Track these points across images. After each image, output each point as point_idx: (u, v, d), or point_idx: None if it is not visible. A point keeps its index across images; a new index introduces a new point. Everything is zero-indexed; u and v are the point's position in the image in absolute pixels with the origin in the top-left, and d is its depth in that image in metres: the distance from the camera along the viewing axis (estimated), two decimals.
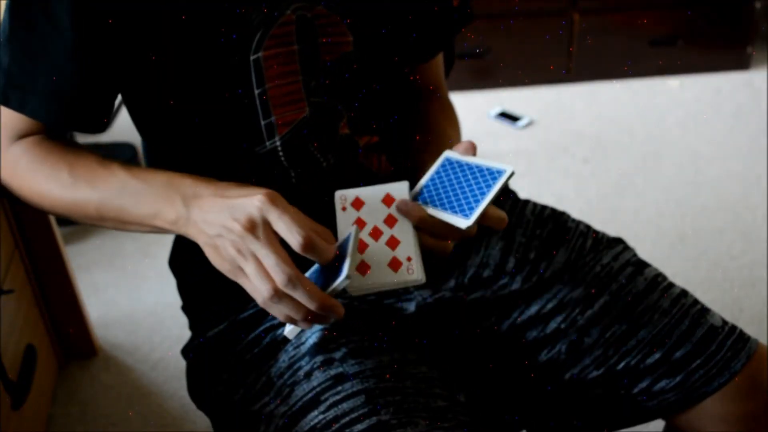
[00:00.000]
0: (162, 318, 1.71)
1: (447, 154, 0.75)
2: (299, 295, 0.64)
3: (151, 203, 0.71)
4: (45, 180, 0.76)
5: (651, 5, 2.59)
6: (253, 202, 0.65)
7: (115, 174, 0.74)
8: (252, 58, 0.74)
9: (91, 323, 1.60)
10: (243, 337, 0.82)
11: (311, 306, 0.64)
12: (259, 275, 0.64)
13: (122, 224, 0.75)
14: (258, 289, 0.65)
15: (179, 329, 1.67)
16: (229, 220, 0.65)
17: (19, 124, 0.77)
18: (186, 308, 0.93)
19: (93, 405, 1.51)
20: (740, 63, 2.71)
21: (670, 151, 2.29)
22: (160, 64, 0.73)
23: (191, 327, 0.91)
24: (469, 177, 0.71)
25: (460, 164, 0.73)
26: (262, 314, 0.83)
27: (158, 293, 1.78)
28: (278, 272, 0.63)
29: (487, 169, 0.70)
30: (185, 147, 0.80)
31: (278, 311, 0.66)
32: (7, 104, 0.76)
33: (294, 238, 0.64)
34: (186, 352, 0.90)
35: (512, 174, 0.68)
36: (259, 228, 0.64)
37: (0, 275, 1.25)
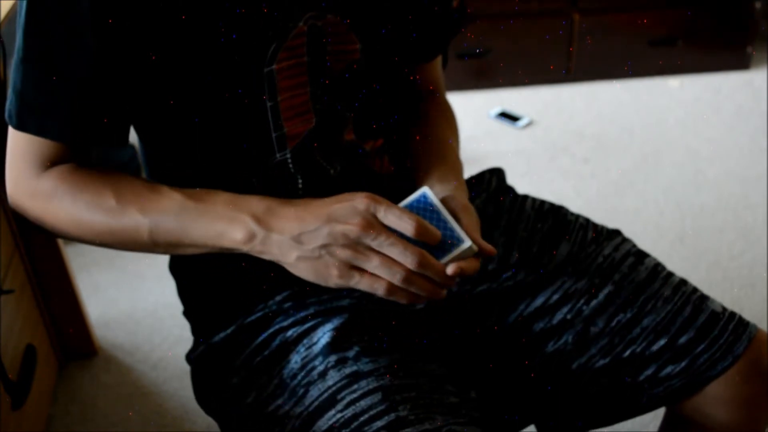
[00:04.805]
0: (162, 318, 1.71)
1: (425, 189, 0.75)
2: (431, 272, 0.68)
3: (215, 224, 0.70)
4: (87, 208, 0.73)
5: (651, 5, 2.59)
6: (357, 204, 0.68)
7: (169, 197, 0.72)
8: (266, 70, 0.73)
9: (91, 323, 1.60)
10: (251, 340, 0.82)
11: (441, 279, 0.69)
12: (385, 265, 0.67)
13: (177, 247, 0.73)
14: (385, 279, 0.67)
15: (179, 329, 1.67)
16: (337, 227, 0.67)
17: (43, 150, 0.73)
18: (188, 313, 0.92)
19: (93, 405, 1.51)
20: (740, 63, 2.71)
21: (670, 151, 2.29)
22: (173, 76, 0.72)
23: (194, 332, 0.91)
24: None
25: (432, 208, 0.74)
26: (271, 317, 0.82)
27: (158, 293, 1.78)
28: (410, 255, 0.67)
29: (451, 231, 0.72)
30: (194, 157, 0.79)
31: (404, 295, 0.69)
32: (25, 129, 0.72)
33: (408, 225, 0.68)
34: (191, 357, 0.89)
35: (470, 248, 0.71)
36: (374, 224, 0.67)
37: (0, 275, 1.25)
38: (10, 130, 0.74)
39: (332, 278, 0.68)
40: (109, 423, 1.47)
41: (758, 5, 2.60)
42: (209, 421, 1.45)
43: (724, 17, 2.63)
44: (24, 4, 0.68)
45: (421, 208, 0.73)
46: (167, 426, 1.46)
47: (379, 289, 0.68)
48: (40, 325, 1.46)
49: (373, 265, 0.67)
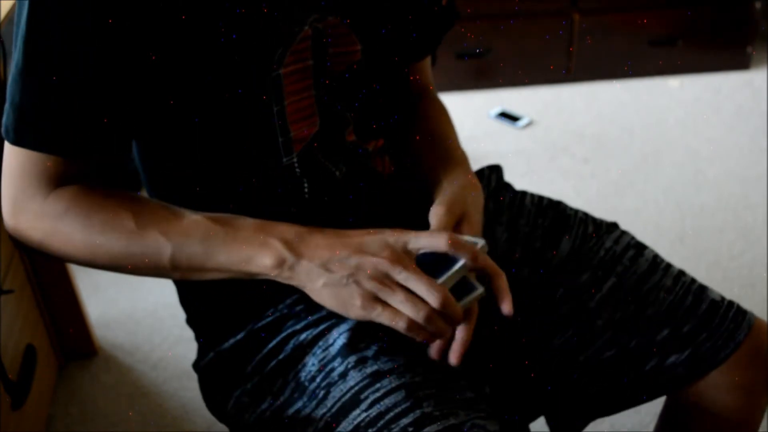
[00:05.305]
0: (162, 318, 1.71)
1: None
2: (452, 312, 0.68)
3: (243, 249, 0.70)
4: (103, 230, 0.71)
5: (651, 5, 2.59)
6: (388, 237, 0.70)
7: (193, 220, 0.71)
8: (272, 75, 0.73)
9: (91, 323, 1.61)
10: (263, 345, 0.82)
11: (457, 322, 0.69)
12: (411, 301, 0.67)
13: (198, 272, 0.72)
14: (407, 315, 0.67)
15: (179, 329, 1.67)
16: (367, 258, 0.68)
17: (45, 167, 0.70)
18: (192, 321, 0.91)
19: (93, 405, 1.51)
20: (740, 63, 2.71)
21: (670, 151, 2.29)
22: (173, 75, 0.71)
23: (199, 339, 0.90)
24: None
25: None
26: (282, 321, 0.82)
27: (158, 293, 1.78)
28: (434, 294, 0.67)
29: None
30: (194, 158, 0.78)
31: (422, 333, 0.69)
32: (22, 143, 0.69)
33: (441, 241, 0.69)
34: (199, 366, 0.88)
35: (481, 294, 0.72)
36: (404, 258, 0.69)
37: (0, 275, 1.25)
38: (7, 147, 0.71)
39: (354, 308, 0.68)
40: (109, 423, 1.47)
41: (758, 5, 2.60)
42: (209, 421, 1.45)
43: (724, 17, 2.63)
44: (24, 14, 0.67)
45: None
46: (167, 426, 1.46)
47: (400, 324, 0.68)
48: (40, 325, 1.46)
49: (398, 299, 0.67)
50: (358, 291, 0.68)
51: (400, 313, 0.68)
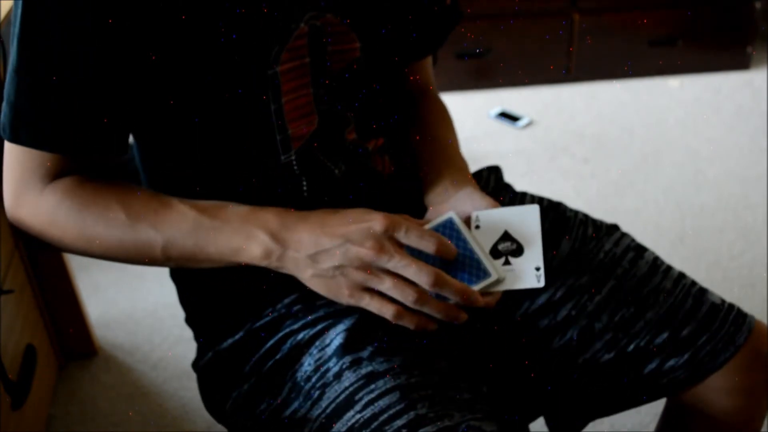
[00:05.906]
0: (162, 318, 1.71)
1: (451, 214, 0.76)
2: (449, 290, 0.69)
3: (231, 240, 0.72)
4: (96, 222, 0.72)
5: (651, 5, 2.59)
6: (374, 225, 0.69)
7: (181, 212, 0.72)
8: (269, 72, 0.73)
9: (91, 323, 1.61)
10: (261, 345, 0.82)
11: (460, 299, 0.69)
12: (398, 287, 0.68)
13: (192, 262, 0.74)
14: (398, 300, 0.69)
15: (179, 329, 1.67)
16: (352, 249, 0.69)
17: (42, 162, 0.72)
18: (191, 320, 0.91)
19: (93, 405, 1.51)
20: (740, 63, 2.71)
21: (670, 151, 2.29)
22: (173, 75, 0.71)
23: (198, 339, 0.90)
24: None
25: (458, 235, 0.75)
26: (279, 321, 0.82)
27: (158, 293, 1.78)
28: (425, 275, 0.68)
29: (478, 262, 0.73)
30: (194, 158, 0.78)
31: (413, 320, 0.70)
32: (18, 141, 0.71)
33: (429, 243, 0.70)
34: (198, 366, 0.88)
35: (496, 281, 0.72)
36: (389, 248, 0.69)
37: (0, 275, 1.25)
38: (7, 143, 0.73)
39: (344, 297, 0.71)
40: (109, 423, 1.47)
41: (758, 5, 2.60)
42: (209, 421, 1.45)
43: (724, 17, 2.64)
44: (19, 11, 0.67)
45: (446, 235, 0.74)
46: (167, 426, 1.46)
47: (388, 313, 0.70)
48: (40, 325, 1.46)
49: (385, 286, 0.69)
50: (345, 282, 0.70)
51: (387, 301, 0.69)
